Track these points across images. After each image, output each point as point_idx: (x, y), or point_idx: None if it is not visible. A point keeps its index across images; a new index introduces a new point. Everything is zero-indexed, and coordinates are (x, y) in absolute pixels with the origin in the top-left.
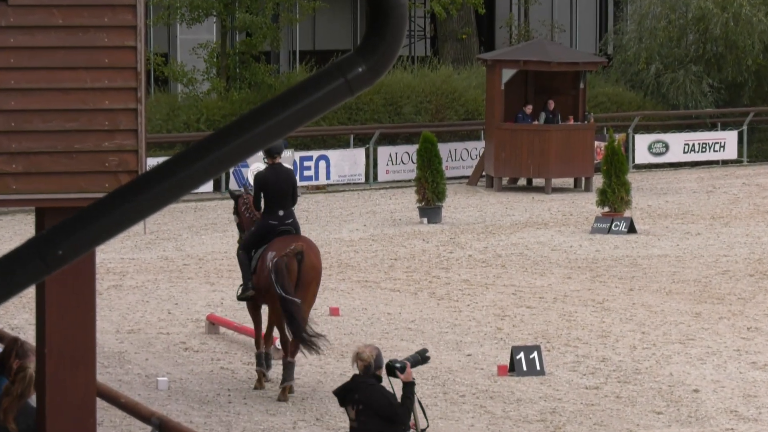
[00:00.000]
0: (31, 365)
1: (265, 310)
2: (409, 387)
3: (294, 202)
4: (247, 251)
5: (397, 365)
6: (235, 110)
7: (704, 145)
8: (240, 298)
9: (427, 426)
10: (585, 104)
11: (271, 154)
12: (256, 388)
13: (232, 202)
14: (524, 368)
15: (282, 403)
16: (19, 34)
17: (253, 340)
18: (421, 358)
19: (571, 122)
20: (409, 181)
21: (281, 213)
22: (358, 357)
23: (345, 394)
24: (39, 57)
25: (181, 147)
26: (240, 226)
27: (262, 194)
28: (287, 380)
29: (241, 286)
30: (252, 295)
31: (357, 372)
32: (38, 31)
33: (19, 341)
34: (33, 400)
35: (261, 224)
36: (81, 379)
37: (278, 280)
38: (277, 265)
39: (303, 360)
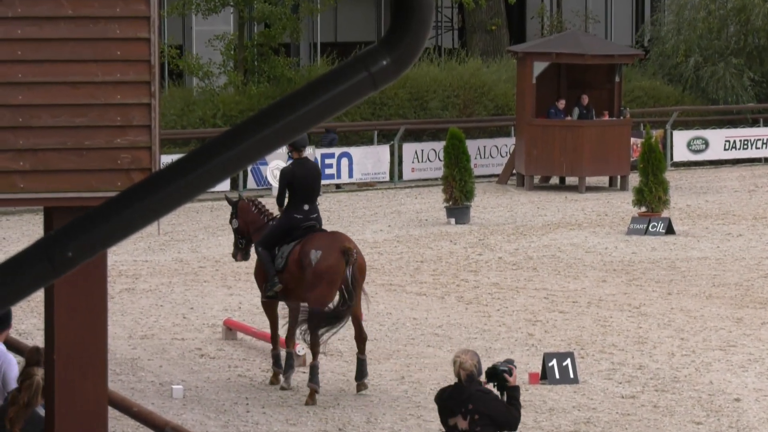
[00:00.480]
0: (39, 372)
1: (281, 309)
2: (516, 391)
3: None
4: (268, 248)
5: (504, 369)
6: (253, 105)
7: (746, 142)
8: (268, 296)
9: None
10: (620, 99)
11: (298, 148)
12: (272, 383)
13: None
14: (557, 376)
15: (303, 412)
16: (26, 24)
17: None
18: (513, 365)
19: (606, 118)
20: (436, 179)
21: (306, 207)
22: (461, 367)
23: (454, 405)
24: (47, 49)
25: (197, 143)
26: (239, 231)
27: (287, 189)
28: (313, 383)
29: (266, 284)
30: (279, 291)
31: (460, 380)
32: (46, 22)
33: (41, 350)
34: (42, 409)
35: (285, 219)
36: (91, 386)
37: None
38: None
39: (324, 367)
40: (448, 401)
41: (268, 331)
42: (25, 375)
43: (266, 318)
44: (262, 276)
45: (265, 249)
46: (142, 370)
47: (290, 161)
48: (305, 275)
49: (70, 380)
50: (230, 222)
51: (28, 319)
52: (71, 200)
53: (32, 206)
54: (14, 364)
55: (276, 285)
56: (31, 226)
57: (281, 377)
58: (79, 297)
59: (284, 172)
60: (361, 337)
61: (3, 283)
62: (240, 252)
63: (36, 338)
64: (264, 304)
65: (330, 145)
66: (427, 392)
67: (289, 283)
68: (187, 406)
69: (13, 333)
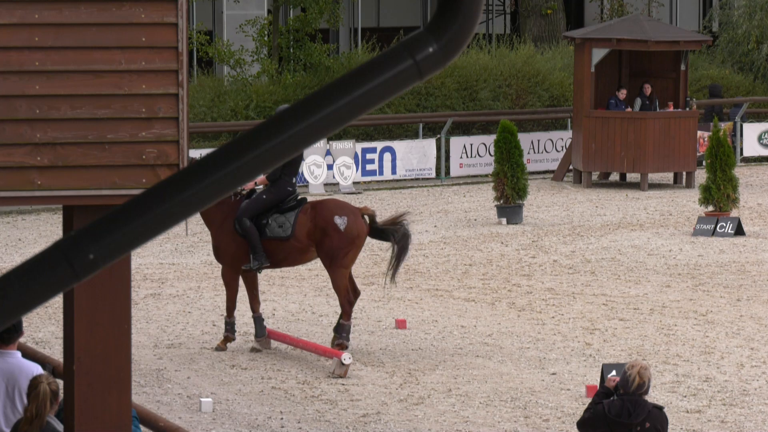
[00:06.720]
0: (46, 380)
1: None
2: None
3: None
4: (253, 219)
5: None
6: (289, 95)
7: None
8: (252, 270)
9: None
10: (687, 89)
11: None
12: (218, 348)
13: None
14: None
15: (341, 427)
16: (44, 9)
17: (307, 353)
18: None
19: (671, 109)
20: (486, 176)
21: (294, 181)
22: (642, 371)
23: (625, 418)
24: (67, 35)
25: (228, 137)
26: None
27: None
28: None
29: (254, 258)
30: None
31: (630, 387)
32: (66, 5)
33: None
34: (58, 423)
35: (278, 191)
36: (115, 400)
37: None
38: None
39: (366, 379)
40: (619, 418)
41: (305, 338)
42: (31, 385)
43: (303, 324)
44: (235, 249)
45: (251, 221)
46: (168, 381)
47: None
48: (329, 241)
49: (92, 393)
50: None
51: (46, 326)
52: (93, 198)
53: (51, 205)
54: (35, 372)
55: (266, 262)
56: (50, 226)
57: (226, 344)
58: (100, 303)
59: None
60: (356, 294)
61: (19, 288)
62: None
63: (54, 348)
64: (227, 270)
65: None
66: (476, 406)
67: (290, 252)
68: (217, 420)
69: (29, 341)
